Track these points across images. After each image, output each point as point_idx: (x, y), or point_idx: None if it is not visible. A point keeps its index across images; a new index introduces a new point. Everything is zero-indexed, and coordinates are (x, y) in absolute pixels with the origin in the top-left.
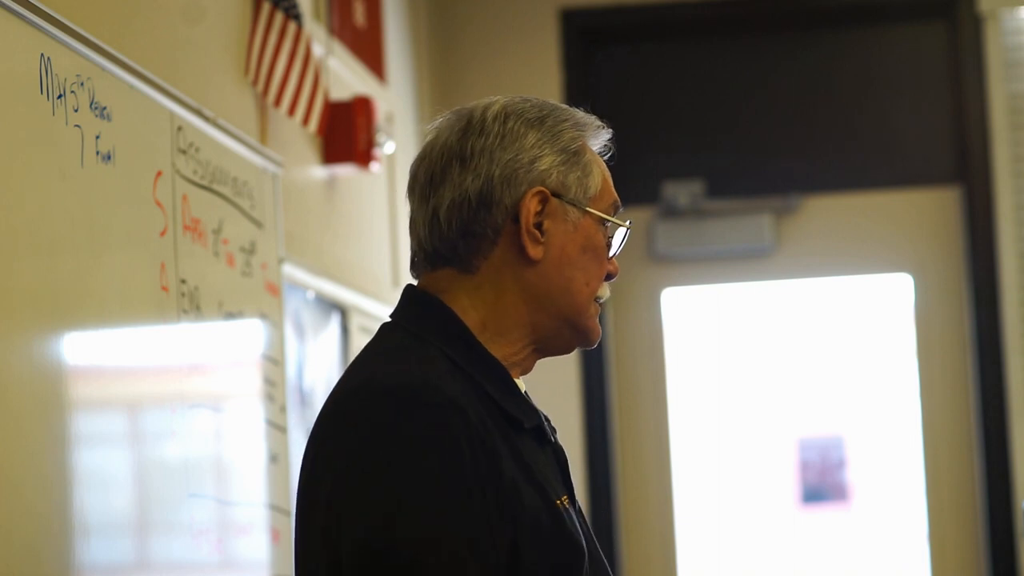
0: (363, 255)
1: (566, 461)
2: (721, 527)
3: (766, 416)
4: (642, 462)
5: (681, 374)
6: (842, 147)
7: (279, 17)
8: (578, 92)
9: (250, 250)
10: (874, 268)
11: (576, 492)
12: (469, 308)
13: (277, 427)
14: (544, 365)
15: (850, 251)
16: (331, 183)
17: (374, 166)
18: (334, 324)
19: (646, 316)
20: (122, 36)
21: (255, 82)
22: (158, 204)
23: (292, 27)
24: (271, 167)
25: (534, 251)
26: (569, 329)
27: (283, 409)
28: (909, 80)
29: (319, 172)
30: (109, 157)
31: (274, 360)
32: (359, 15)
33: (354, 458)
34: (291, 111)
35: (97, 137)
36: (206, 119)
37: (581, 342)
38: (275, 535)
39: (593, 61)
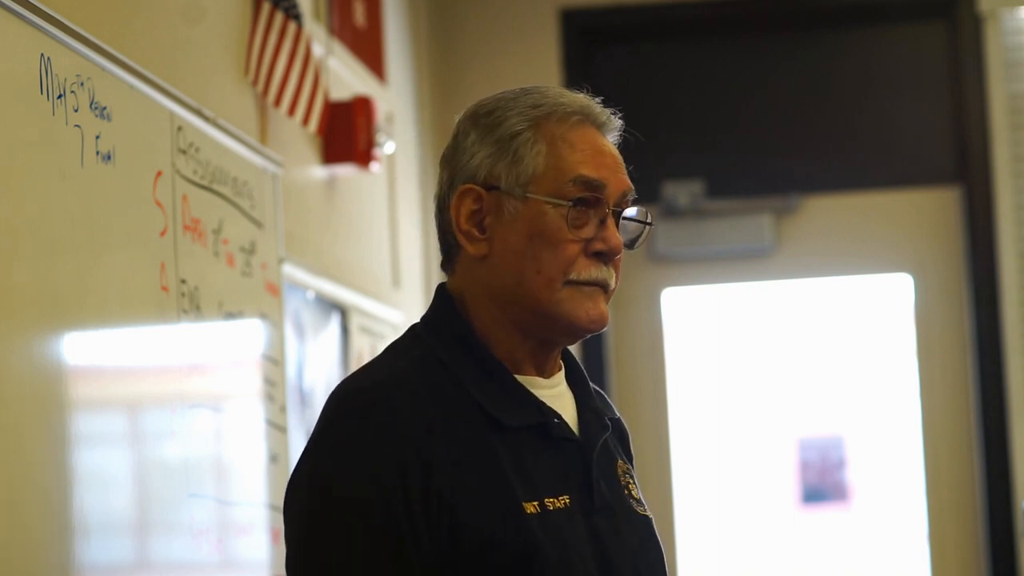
0: (363, 255)
1: (609, 456)
2: (721, 527)
3: (766, 416)
4: (642, 462)
5: (681, 374)
6: (842, 147)
7: (279, 17)
8: (579, 90)
9: (250, 250)
10: (874, 268)
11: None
12: (470, 309)
13: (277, 427)
14: None
15: (850, 251)
16: (331, 183)
17: (374, 166)
18: (334, 324)
19: (646, 316)
20: (122, 36)
21: (255, 82)
22: (158, 204)
23: (292, 27)
24: (271, 167)
25: (474, 249)
26: (547, 319)
27: (283, 409)
28: (909, 80)
29: (319, 172)
30: (109, 157)
31: (274, 360)
32: (359, 15)
33: (300, 460)
34: (291, 111)
35: (97, 137)
36: (206, 119)
37: (570, 329)
38: (275, 535)
39: (593, 61)
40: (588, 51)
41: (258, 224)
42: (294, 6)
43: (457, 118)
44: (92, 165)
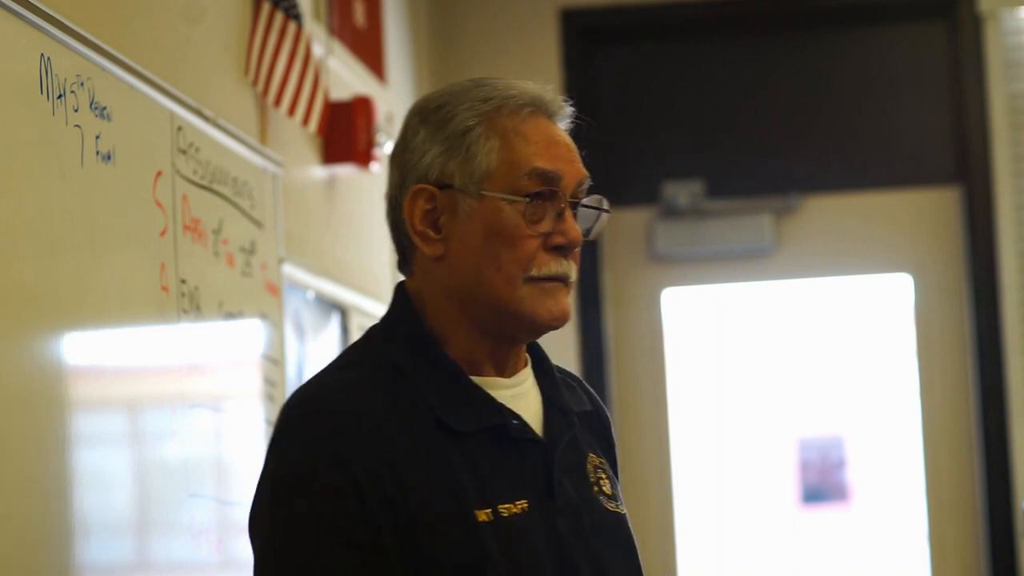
0: (363, 255)
1: (577, 452)
2: (721, 527)
3: (766, 416)
4: (642, 462)
5: (681, 374)
6: (842, 147)
7: (279, 17)
8: (578, 92)
9: (250, 250)
10: (874, 268)
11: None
12: (423, 311)
13: None
14: None
15: (850, 251)
16: (331, 183)
17: (374, 166)
18: (334, 324)
19: (646, 316)
20: (122, 36)
21: (255, 82)
22: (158, 204)
23: (292, 27)
24: (271, 167)
25: (430, 250)
26: (508, 317)
27: None
28: (909, 80)
29: (319, 172)
30: (109, 157)
31: (274, 360)
32: (359, 15)
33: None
34: (291, 111)
35: (97, 137)
36: (206, 119)
37: (532, 327)
38: None
39: (593, 61)
40: (588, 51)
41: (258, 224)
42: (294, 6)
43: (407, 114)
44: (92, 165)
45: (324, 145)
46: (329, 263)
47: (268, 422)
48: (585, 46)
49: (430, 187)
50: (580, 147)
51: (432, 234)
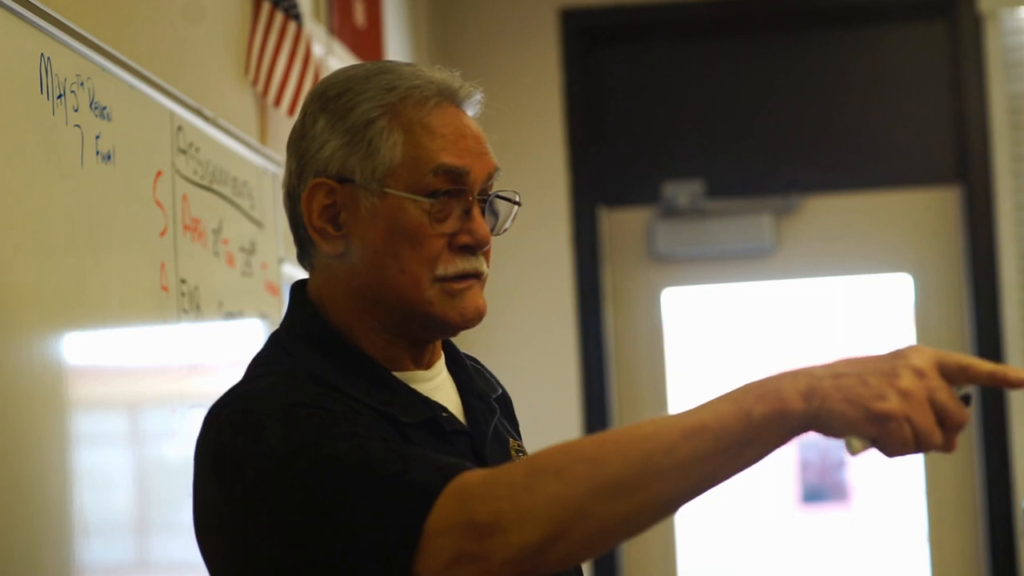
0: None
1: (501, 440)
2: (721, 527)
3: None
4: None
5: (681, 374)
6: (842, 147)
7: (279, 17)
8: (578, 92)
9: (250, 250)
10: (874, 268)
11: None
12: (329, 308)
13: None
14: (543, 364)
15: (850, 251)
16: None
17: None
18: None
19: (646, 316)
20: (122, 36)
21: (255, 82)
22: (158, 204)
23: (292, 27)
24: (271, 167)
25: (329, 247)
26: (418, 320)
27: None
28: (909, 80)
29: None
30: (109, 157)
31: None
32: (359, 15)
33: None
34: (291, 111)
35: (97, 137)
36: (206, 119)
37: (445, 329)
38: None
39: (593, 61)
40: (588, 51)
41: (258, 224)
42: (294, 6)
43: (305, 99)
44: (92, 165)
45: None
46: None
47: None
48: (585, 46)
49: (329, 181)
50: (581, 147)
51: (331, 231)
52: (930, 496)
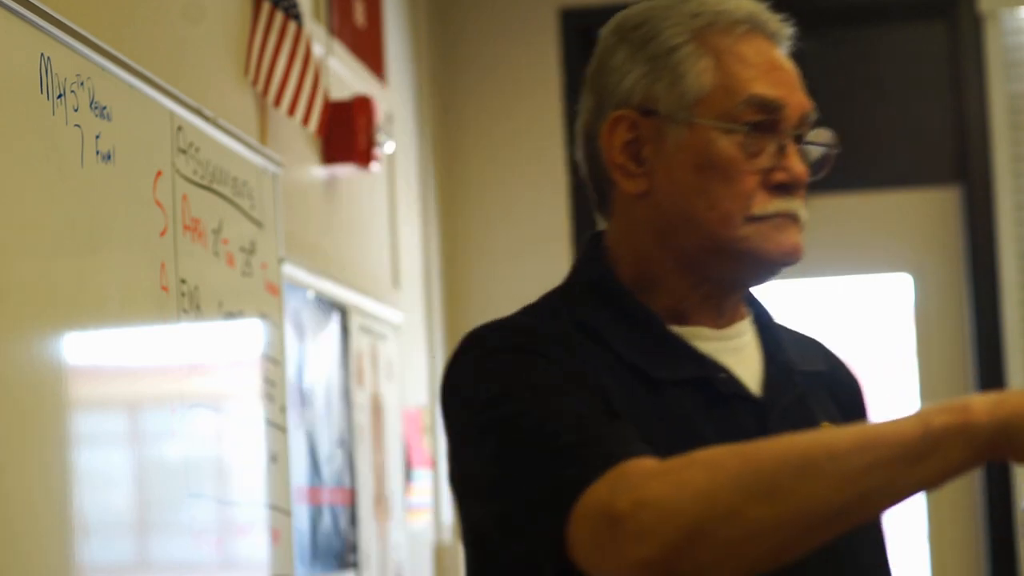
0: (363, 255)
1: (804, 416)
2: None
3: None
4: None
5: None
6: (842, 147)
7: (279, 17)
8: (579, 92)
9: (250, 250)
10: (874, 268)
11: None
12: (621, 257)
13: (277, 427)
14: None
15: (850, 251)
16: (331, 183)
17: (374, 166)
18: (334, 324)
19: None
20: (122, 36)
21: (255, 82)
22: (158, 204)
23: (292, 27)
24: (271, 167)
25: (630, 186)
26: (729, 258)
27: (283, 409)
28: (909, 80)
29: (319, 172)
30: (109, 157)
31: (274, 360)
32: (359, 15)
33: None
34: (291, 111)
35: (97, 137)
36: (206, 119)
37: (760, 266)
38: (275, 535)
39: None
40: (588, 51)
41: (258, 224)
42: (294, 6)
43: (601, 32)
44: (92, 165)
45: (324, 145)
46: (329, 263)
47: (268, 422)
48: (585, 46)
49: (632, 114)
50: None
51: (634, 168)
52: (930, 496)
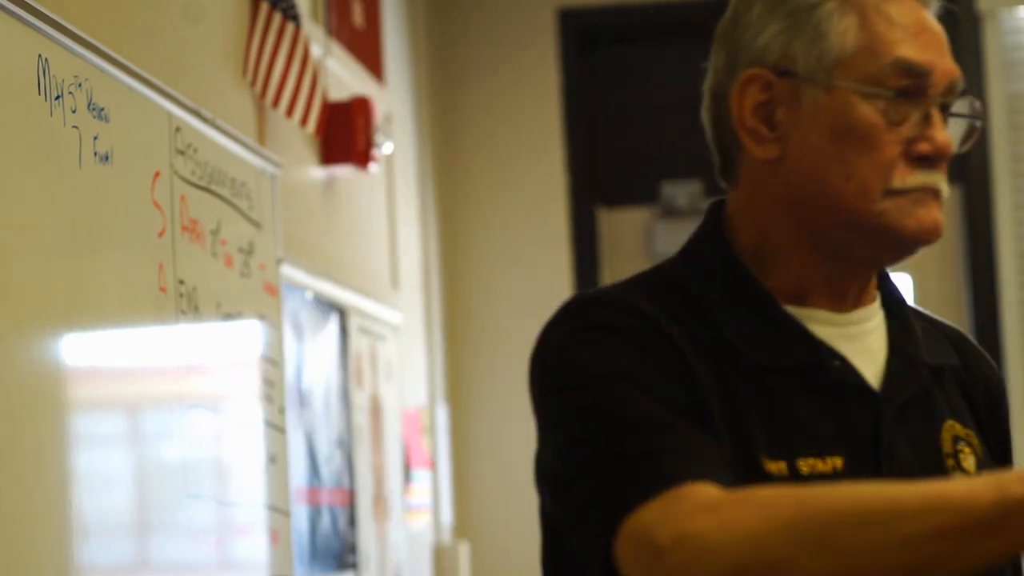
0: (362, 256)
1: (928, 412)
2: None
3: None
4: None
5: None
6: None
7: (277, 18)
8: (577, 92)
9: (248, 251)
10: None
11: None
12: (741, 229)
13: (276, 428)
14: None
15: None
16: (330, 184)
17: (373, 166)
18: (333, 325)
19: None
20: (120, 37)
21: (253, 83)
22: (156, 205)
23: (290, 28)
24: (269, 168)
25: (760, 151)
26: (863, 234)
27: (281, 410)
28: None
29: (317, 173)
30: (107, 158)
31: (273, 361)
32: (357, 16)
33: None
34: (289, 112)
35: (95, 138)
36: (204, 120)
37: (897, 244)
38: (274, 536)
39: (591, 61)
40: (587, 51)
41: (256, 225)
42: (292, 7)
43: None
44: (90, 166)
45: (322, 146)
46: (328, 264)
47: (267, 423)
48: (584, 46)
49: (766, 73)
50: (580, 147)
51: (765, 131)
52: None
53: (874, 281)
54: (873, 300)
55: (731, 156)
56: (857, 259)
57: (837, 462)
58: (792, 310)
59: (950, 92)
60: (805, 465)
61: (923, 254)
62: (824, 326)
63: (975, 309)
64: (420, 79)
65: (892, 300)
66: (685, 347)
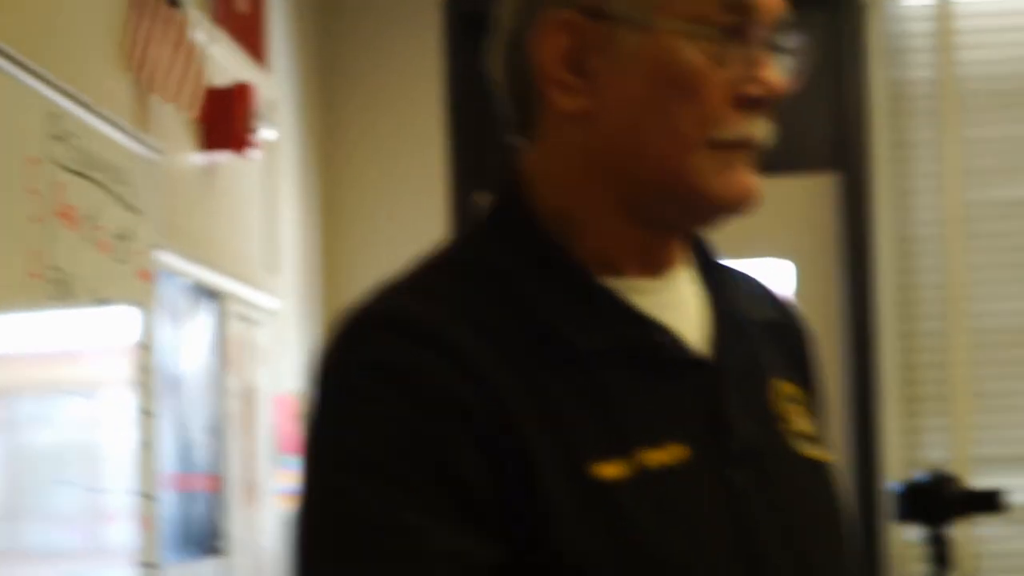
0: (240, 242)
1: (757, 375)
2: None
3: None
4: None
5: None
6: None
7: (159, 1)
8: (460, 78)
9: (125, 237)
10: (756, 254)
11: None
12: (543, 193)
13: (148, 414)
14: None
15: (731, 236)
16: (210, 170)
17: (252, 152)
18: (209, 311)
19: None
20: None
21: (133, 67)
22: (31, 191)
23: (171, 12)
24: (149, 154)
25: (567, 103)
26: (676, 196)
27: (153, 396)
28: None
29: (198, 159)
30: None
31: (146, 347)
32: (242, 2)
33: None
34: (169, 97)
35: None
36: (82, 105)
37: (706, 210)
38: (145, 522)
39: (477, 48)
40: (470, 40)
41: (135, 211)
42: None
43: None
44: None
45: (203, 132)
46: (206, 250)
47: (139, 409)
48: (467, 34)
49: (574, 15)
50: (461, 133)
51: (572, 81)
52: None
53: None
54: (681, 258)
55: (530, 110)
56: (665, 223)
57: (681, 452)
58: (608, 282)
59: (777, 29)
60: (650, 459)
61: (801, 240)
62: (643, 296)
63: (850, 296)
64: (306, 65)
65: (702, 253)
66: (489, 370)
